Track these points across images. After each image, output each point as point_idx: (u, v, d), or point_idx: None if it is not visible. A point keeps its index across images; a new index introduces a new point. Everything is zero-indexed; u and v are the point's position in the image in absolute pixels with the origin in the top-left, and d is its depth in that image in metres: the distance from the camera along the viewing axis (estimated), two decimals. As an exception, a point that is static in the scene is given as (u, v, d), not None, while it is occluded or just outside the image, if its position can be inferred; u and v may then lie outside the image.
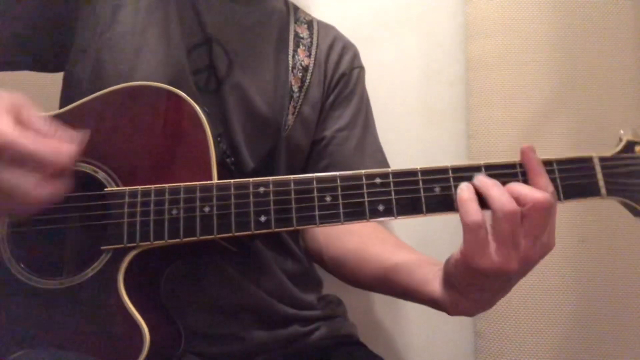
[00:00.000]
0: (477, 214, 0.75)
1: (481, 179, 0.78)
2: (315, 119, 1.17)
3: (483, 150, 1.39)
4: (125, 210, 0.84)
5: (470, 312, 0.85)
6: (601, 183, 0.81)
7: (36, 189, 0.73)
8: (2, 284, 0.87)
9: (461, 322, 1.43)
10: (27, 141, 0.72)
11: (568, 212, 1.29)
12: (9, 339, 0.85)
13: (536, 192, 0.76)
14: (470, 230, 0.75)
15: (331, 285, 1.24)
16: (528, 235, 0.75)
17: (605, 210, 1.29)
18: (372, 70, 1.36)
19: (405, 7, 1.55)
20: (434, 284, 0.86)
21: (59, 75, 1.10)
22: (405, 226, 1.39)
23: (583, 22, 1.37)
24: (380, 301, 1.47)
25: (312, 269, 1.21)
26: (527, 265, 0.77)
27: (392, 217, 0.80)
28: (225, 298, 1.02)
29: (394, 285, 0.97)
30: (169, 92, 0.91)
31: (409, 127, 1.51)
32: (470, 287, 0.80)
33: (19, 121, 0.74)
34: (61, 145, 0.75)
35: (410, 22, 1.55)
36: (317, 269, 1.22)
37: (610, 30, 1.37)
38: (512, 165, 0.81)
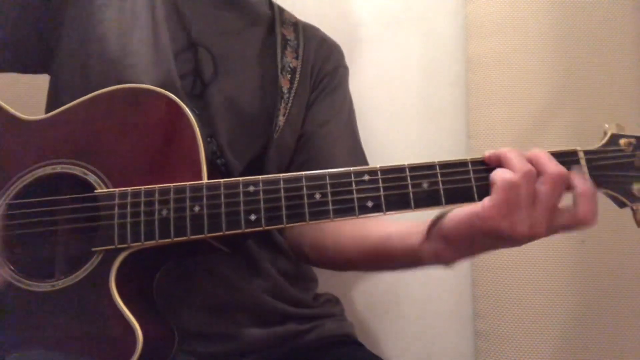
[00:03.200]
0: (510, 174, 0.76)
1: (498, 152, 0.80)
2: (302, 118, 1.17)
3: (483, 150, 1.36)
4: (116, 211, 0.84)
5: (448, 262, 0.85)
6: (587, 176, 0.81)
7: None
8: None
9: (461, 322, 1.43)
10: None
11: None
12: (2, 342, 0.85)
13: (555, 164, 0.78)
14: (503, 189, 0.75)
15: (329, 285, 1.23)
16: (544, 202, 0.76)
17: (605, 210, 1.27)
18: (372, 70, 1.36)
19: (405, 7, 1.55)
20: (415, 236, 0.87)
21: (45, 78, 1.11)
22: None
23: (583, 22, 1.37)
24: (379, 301, 1.47)
25: (307, 267, 1.21)
26: (532, 234, 0.77)
27: (381, 213, 0.80)
28: (219, 297, 1.03)
29: (372, 247, 0.97)
30: (158, 93, 0.91)
31: (409, 127, 1.51)
32: (465, 241, 0.80)
33: None
34: None
35: (410, 22, 1.55)
36: (311, 268, 1.22)
37: (610, 30, 1.37)
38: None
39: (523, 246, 0.79)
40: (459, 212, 0.79)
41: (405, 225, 0.91)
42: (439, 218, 0.82)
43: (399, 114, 1.51)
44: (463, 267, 1.43)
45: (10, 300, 0.86)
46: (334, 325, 1.14)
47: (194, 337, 1.00)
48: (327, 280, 1.22)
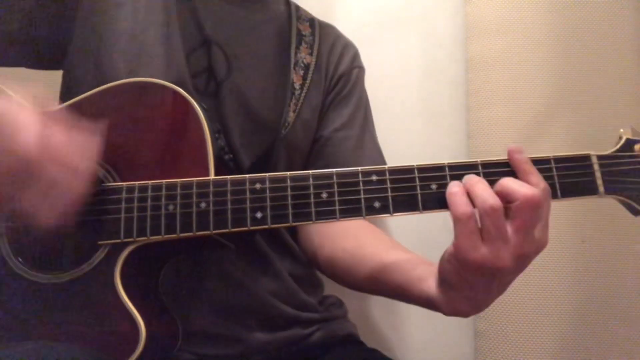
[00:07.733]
0: (465, 206, 0.75)
1: (467, 177, 0.78)
2: (316, 121, 1.17)
3: (483, 150, 1.39)
4: (123, 205, 0.85)
5: (465, 312, 0.83)
6: (599, 181, 0.80)
7: (44, 213, 0.76)
8: (-1, 278, 0.87)
9: (461, 322, 1.43)
10: (50, 167, 0.74)
11: (568, 213, 1.29)
12: (6, 333, 0.85)
13: (526, 188, 0.75)
14: (460, 222, 0.75)
15: (332, 286, 1.23)
16: (519, 230, 0.74)
17: (605, 210, 1.29)
18: (372, 70, 1.35)
19: (405, 7, 1.55)
20: (429, 282, 0.86)
21: (58, 74, 1.10)
22: (404, 227, 1.39)
23: (583, 22, 1.37)
24: (380, 302, 1.47)
25: (314, 271, 1.20)
26: (520, 261, 0.76)
27: (388, 214, 0.80)
28: (228, 299, 1.02)
29: (388, 284, 0.95)
30: (167, 88, 0.91)
31: (409, 127, 1.51)
32: (464, 283, 0.78)
33: (45, 139, 0.75)
34: (74, 178, 0.77)
35: (410, 22, 1.55)
36: (317, 272, 1.21)
37: (610, 30, 1.37)
38: (508, 163, 0.80)
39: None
40: (446, 251, 0.79)
41: (425, 268, 0.89)
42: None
43: (399, 114, 1.51)
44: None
45: (16, 291, 0.86)
46: (337, 326, 1.14)
47: (200, 338, 0.99)
48: (330, 282, 1.21)
